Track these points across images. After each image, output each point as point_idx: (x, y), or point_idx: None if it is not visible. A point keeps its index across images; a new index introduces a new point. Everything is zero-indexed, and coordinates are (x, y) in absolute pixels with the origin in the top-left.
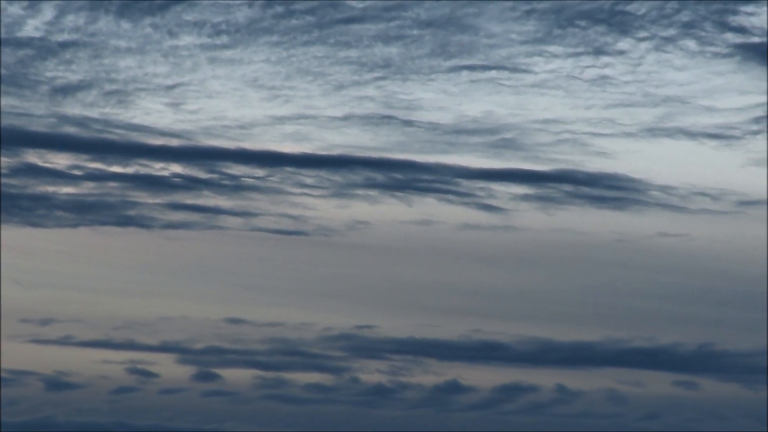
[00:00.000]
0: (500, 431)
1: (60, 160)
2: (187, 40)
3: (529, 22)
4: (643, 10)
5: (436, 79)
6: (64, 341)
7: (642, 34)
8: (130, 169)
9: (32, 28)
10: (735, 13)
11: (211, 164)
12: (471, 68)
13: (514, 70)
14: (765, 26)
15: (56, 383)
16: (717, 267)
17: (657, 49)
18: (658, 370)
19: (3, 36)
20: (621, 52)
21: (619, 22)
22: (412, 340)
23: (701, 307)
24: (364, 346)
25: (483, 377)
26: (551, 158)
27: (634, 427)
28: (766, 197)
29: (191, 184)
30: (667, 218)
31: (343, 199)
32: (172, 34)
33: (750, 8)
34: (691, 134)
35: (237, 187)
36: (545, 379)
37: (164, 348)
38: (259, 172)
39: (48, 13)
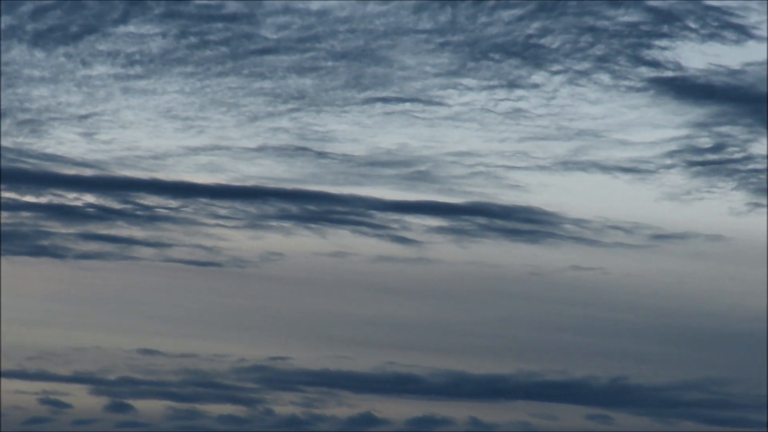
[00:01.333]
0: None
1: None
2: (100, 69)
3: (443, 55)
4: (556, 44)
5: (350, 110)
6: None
7: (556, 67)
8: (43, 199)
9: None
10: (648, 47)
11: (125, 195)
12: (385, 100)
13: (428, 102)
14: (678, 60)
15: None
16: (630, 301)
17: (571, 82)
18: (572, 403)
19: None
20: (535, 86)
21: (533, 56)
22: (326, 372)
23: (615, 340)
24: (278, 377)
25: (397, 410)
26: (465, 191)
27: None
28: (679, 231)
29: (104, 214)
30: (581, 252)
31: (257, 231)
32: (85, 63)
33: (663, 42)
34: (604, 168)
35: (150, 217)
36: (459, 411)
37: (77, 379)
38: (173, 202)
39: None
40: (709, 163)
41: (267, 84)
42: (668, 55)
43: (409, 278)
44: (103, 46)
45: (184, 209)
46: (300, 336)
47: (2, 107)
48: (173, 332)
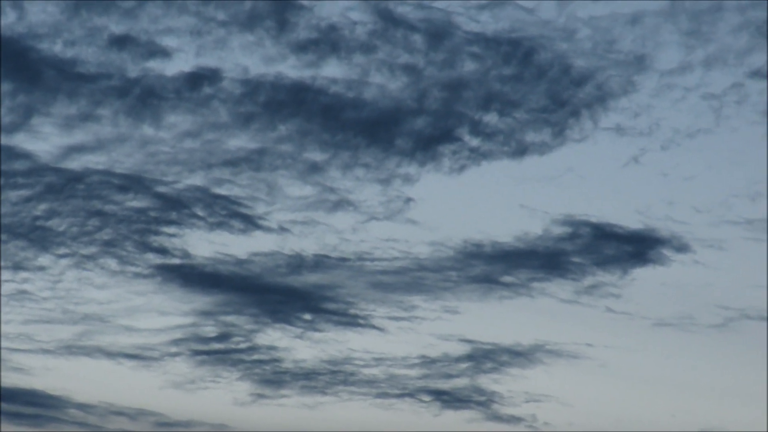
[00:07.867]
0: None
1: None
2: None
3: None
4: (63, 227)
5: None
6: None
7: (62, 250)
8: None
9: None
10: (156, 233)
11: None
12: None
13: None
14: (186, 248)
15: None
16: None
17: (77, 266)
18: None
19: None
20: (41, 268)
21: (40, 238)
22: None
23: None
24: None
25: None
26: None
27: None
28: (184, 419)
29: None
30: None
31: None
32: None
33: (171, 229)
34: (109, 354)
35: None
36: None
37: None
38: None
39: None
40: (215, 353)
41: None
42: (176, 242)
43: None
44: None
45: None
46: None
47: None
48: None
